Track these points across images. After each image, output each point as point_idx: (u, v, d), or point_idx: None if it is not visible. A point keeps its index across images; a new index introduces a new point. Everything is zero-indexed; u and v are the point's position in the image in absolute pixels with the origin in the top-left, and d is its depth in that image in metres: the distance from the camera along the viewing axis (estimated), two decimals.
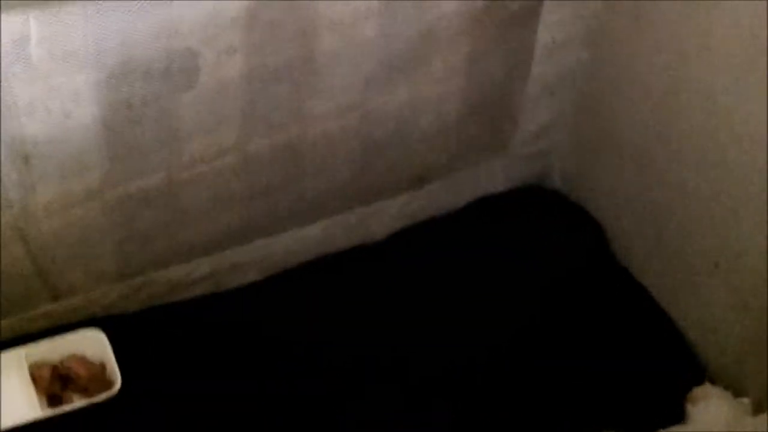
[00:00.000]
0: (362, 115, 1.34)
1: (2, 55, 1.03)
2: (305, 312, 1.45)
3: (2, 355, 1.30)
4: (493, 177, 1.59)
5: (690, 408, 1.28)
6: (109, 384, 1.31)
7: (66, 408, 1.28)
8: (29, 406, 1.27)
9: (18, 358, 1.31)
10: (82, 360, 1.32)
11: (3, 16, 1.01)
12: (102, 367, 1.33)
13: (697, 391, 1.30)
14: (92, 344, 1.33)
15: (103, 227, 1.27)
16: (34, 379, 1.30)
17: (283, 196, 1.39)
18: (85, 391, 1.31)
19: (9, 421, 1.25)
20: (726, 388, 1.31)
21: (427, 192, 1.53)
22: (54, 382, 1.30)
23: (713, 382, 1.34)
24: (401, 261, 1.54)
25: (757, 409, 1.25)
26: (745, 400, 1.27)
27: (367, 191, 1.46)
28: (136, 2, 1.07)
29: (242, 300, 1.46)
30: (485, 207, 1.63)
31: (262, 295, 1.47)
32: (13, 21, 1.02)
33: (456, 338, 1.42)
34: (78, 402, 1.29)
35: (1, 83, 1.05)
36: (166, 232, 1.33)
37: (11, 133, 1.09)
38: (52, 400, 1.30)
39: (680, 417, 1.28)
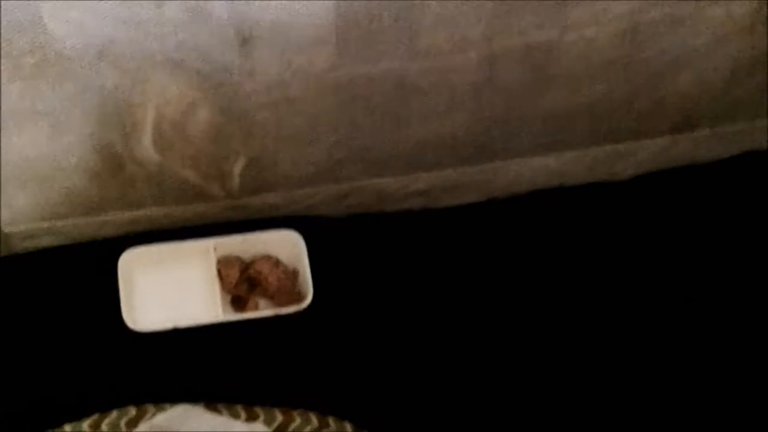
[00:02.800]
0: (637, 41, 1.11)
1: None
2: (524, 241, 1.27)
3: (190, 243, 1.18)
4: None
5: None
6: (299, 295, 1.17)
7: (250, 315, 1.16)
8: (211, 307, 1.15)
9: (206, 250, 1.18)
10: (275, 264, 1.18)
11: None
12: (294, 274, 1.18)
13: None
14: (288, 247, 1.19)
15: (319, 121, 1.10)
16: (221, 276, 1.17)
17: (527, 112, 1.17)
18: (272, 298, 1.17)
19: (188, 320, 1.13)
20: None
21: (691, 139, 1.28)
22: (241, 283, 1.17)
23: None
24: (640, 203, 1.32)
25: None
26: None
27: (624, 127, 1.23)
28: None
29: (458, 219, 1.28)
30: (749, 162, 1.37)
31: (480, 217, 1.29)
32: None
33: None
34: (264, 310, 1.16)
35: None
36: (386, 138, 1.15)
37: (234, 14, 0.92)
38: (236, 302, 1.17)
39: None
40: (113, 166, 1.08)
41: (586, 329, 1.21)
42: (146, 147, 1.07)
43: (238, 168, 1.14)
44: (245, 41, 0.96)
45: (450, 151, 1.20)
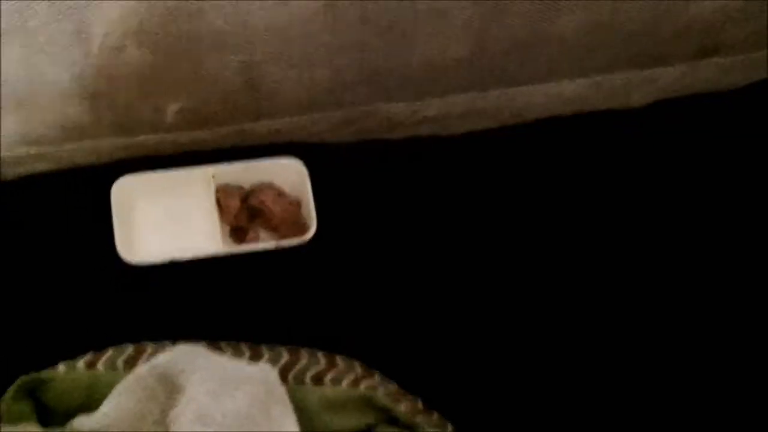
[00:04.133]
0: None
1: None
2: (535, 170, 1.21)
3: (188, 171, 1.12)
4: None
5: None
6: (302, 227, 1.11)
7: (252, 247, 1.10)
8: (211, 238, 1.10)
9: (205, 178, 1.12)
10: (277, 194, 1.12)
11: None
12: (297, 205, 1.13)
13: None
14: (291, 176, 1.13)
15: (323, 40, 1.03)
16: (220, 205, 1.11)
17: (543, 34, 1.11)
18: (274, 230, 1.12)
19: (187, 252, 1.08)
20: None
21: (713, 64, 1.22)
22: (242, 213, 1.12)
23: None
24: (655, 131, 1.26)
25: None
26: None
27: (644, 53, 1.17)
28: None
29: (468, 147, 1.22)
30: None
31: (491, 145, 1.22)
32: None
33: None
34: (265, 242, 1.11)
35: None
36: (394, 58, 1.08)
37: None
38: (237, 233, 1.12)
39: None
40: (103, 89, 1.02)
41: (594, 263, 1.16)
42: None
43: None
44: None
45: (461, 76, 1.14)
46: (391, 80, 1.11)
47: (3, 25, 0.91)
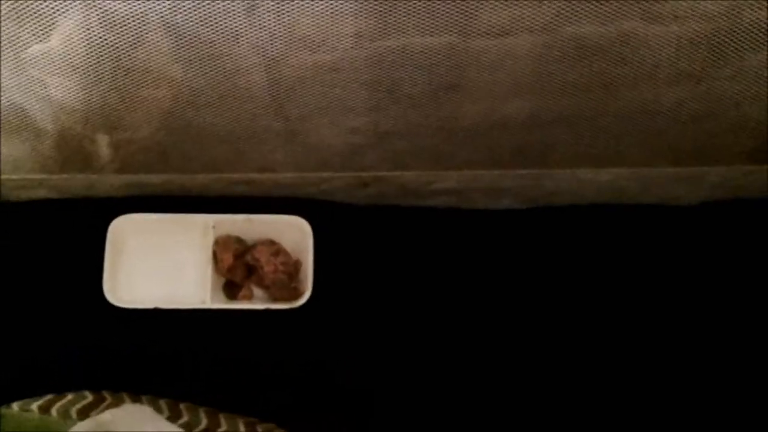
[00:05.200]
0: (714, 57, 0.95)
1: None
2: (554, 256, 1.14)
3: (189, 217, 1.08)
4: None
5: None
6: (296, 291, 1.06)
7: (236, 305, 1.06)
8: (200, 291, 1.06)
9: (205, 226, 1.08)
10: (275, 253, 1.07)
11: None
12: (296, 266, 1.08)
13: None
14: (295, 234, 1.08)
15: (345, 101, 0.98)
16: (215, 257, 1.07)
17: (585, 115, 1.03)
18: (267, 289, 1.07)
19: (172, 303, 1.04)
20: None
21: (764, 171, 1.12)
22: (237, 268, 1.07)
23: None
24: (700, 232, 1.17)
25: None
26: None
27: (687, 149, 1.08)
28: None
29: (487, 223, 1.15)
30: None
31: (518, 224, 1.16)
32: None
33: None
34: (256, 303, 1.06)
35: None
36: (412, 129, 1.02)
37: None
38: (230, 288, 1.08)
39: None
40: (108, 126, 0.99)
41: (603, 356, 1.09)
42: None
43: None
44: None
45: (488, 150, 1.07)
46: (410, 147, 1.05)
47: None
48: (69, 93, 0.94)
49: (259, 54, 0.89)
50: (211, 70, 0.92)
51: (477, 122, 1.02)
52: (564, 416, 1.05)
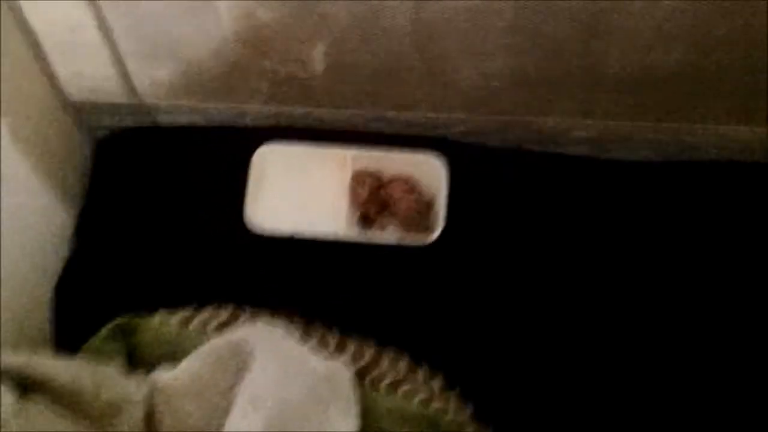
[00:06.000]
0: None
1: None
2: (685, 211, 1.11)
3: (328, 150, 1.11)
4: None
5: None
6: (427, 228, 1.08)
7: (370, 237, 1.09)
8: (335, 221, 1.09)
9: (343, 159, 1.11)
10: (409, 190, 1.09)
11: None
12: (428, 204, 1.10)
13: None
14: (430, 171, 1.10)
15: (495, 37, 0.98)
16: (352, 190, 1.10)
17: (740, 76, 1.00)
18: (400, 224, 1.10)
19: (309, 230, 1.08)
20: None
21: None
22: (371, 202, 1.10)
23: None
24: None
25: None
26: None
27: None
28: None
29: (623, 175, 1.14)
30: None
31: (655, 177, 1.14)
32: None
33: None
34: (388, 235, 1.09)
35: None
36: (553, 75, 1.02)
37: None
38: (364, 220, 1.11)
39: None
40: (257, 55, 1.03)
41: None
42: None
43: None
44: None
45: (631, 101, 1.06)
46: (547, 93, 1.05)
47: None
48: (222, 22, 0.98)
49: None
50: (358, 8, 0.95)
51: (621, 72, 1.02)
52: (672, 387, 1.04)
